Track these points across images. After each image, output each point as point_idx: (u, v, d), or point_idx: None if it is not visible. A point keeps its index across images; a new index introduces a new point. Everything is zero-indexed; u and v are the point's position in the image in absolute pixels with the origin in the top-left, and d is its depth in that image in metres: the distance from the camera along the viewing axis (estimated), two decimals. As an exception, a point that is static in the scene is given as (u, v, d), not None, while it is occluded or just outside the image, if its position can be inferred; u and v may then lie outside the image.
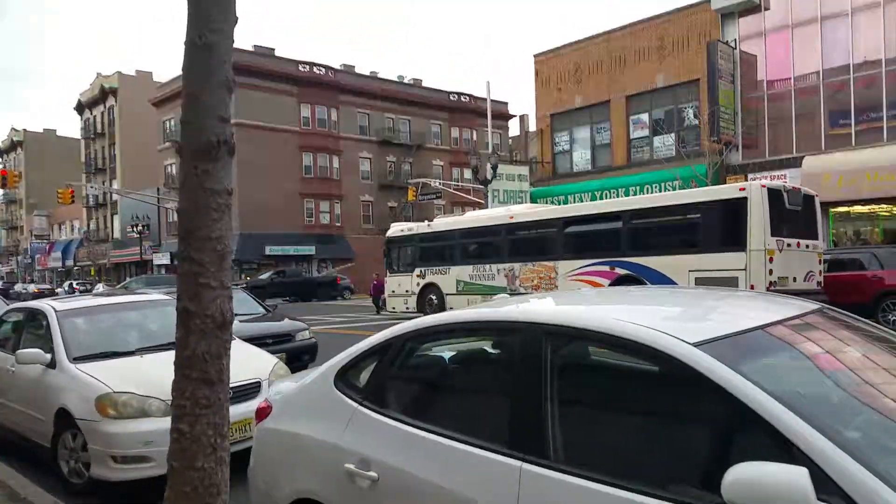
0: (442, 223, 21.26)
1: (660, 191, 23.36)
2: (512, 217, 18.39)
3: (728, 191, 14.24)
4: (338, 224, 52.70)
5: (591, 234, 16.61)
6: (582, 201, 25.02)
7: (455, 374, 3.36)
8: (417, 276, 21.12)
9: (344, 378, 3.38)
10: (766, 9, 22.39)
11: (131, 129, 62.40)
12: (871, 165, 18.85)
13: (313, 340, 10.38)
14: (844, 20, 20.73)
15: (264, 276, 41.86)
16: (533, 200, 27.27)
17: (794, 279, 13.74)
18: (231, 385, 5.80)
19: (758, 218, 13.22)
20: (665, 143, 25.29)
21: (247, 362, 6.49)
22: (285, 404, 3.67)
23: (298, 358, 9.80)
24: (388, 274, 22.56)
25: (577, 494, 2.29)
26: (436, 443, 2.77)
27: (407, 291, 21.48)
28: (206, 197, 1.96)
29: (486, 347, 3.30)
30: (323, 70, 52.48)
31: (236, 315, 9.04)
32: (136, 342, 6.60)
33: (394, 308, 22.25)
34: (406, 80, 60.77)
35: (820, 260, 14.54)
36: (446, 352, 3.39)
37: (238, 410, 5.74)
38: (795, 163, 21.21)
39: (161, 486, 5.57)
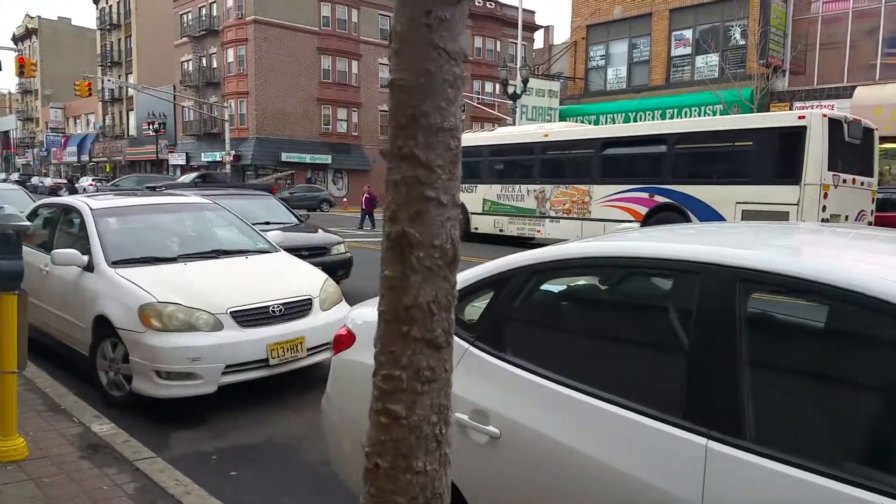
0: (470, 138, 20.44)
1: (700, 115, 22.36)
2: (546, 135, 17.61)
3: (786, 118, 13.42)
4: (355, 133, 51.56)
5: (630, 158, 15.89)
6: (615, 122, 24.07)
7: (601, 320, 2.84)
8: (443, 191, 20.49)
9: None
10: (831, -79, 20.75)
11: (148, 22, 60.36)
12: (929, 99, 17.84)
13: (348, 255, 9.94)
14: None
15: (184, 178, 34.80)
16: (562, 118, 26.25)
17: (847, 217, 13.13)
18: (282, 300, 5.49)
19: (816, 150, 12.48)
20: (707, 63, 24.02)
21: (296, 276, 6.10)
22: (371, 334, 3.24)
23: (333, 272, 9.27)
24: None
25: (787, 487, 1.85)
26: (582, 403, 2.32)
27: (431, 206, 20.91)
28: (440, 61, 1.32)
29: (639, 289, 2.79)
30: (345, -33, 50.05)
31: (268, 223, 8.55)
32: (178, 248, 6.17)
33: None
34: (431, -16, 58.00)
35: (873, 199, 13.87)
36: (582, 290, 2.89)
37: (291, 328, 5.43)
38: (845, 93, 20.11)
39: (206, 404, 5.33)
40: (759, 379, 2.03)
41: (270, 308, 5.38)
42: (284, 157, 46.89)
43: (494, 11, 58.81)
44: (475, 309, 2.95)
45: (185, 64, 53.61)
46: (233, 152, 43.54)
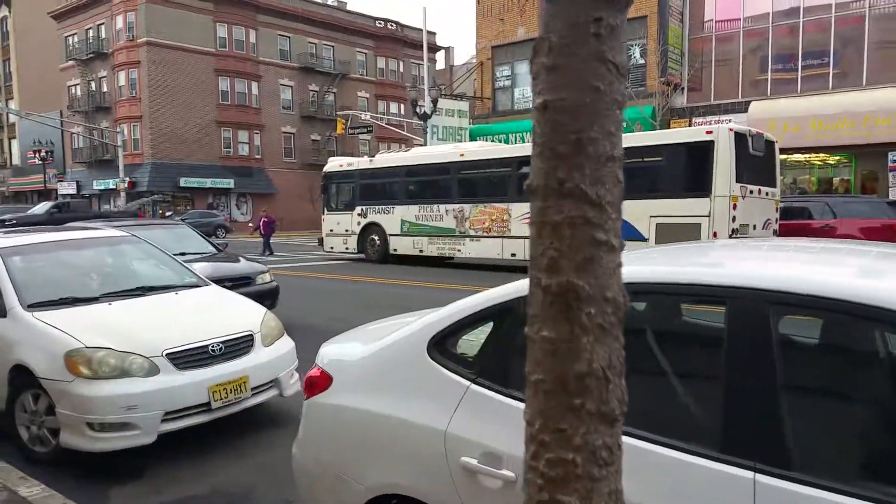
0: (386, 159, 20.28)
1: (604, 132, 23.09)
2: (463, 154, 17.66)
3: (694, 133, 14.04)
4: (257, 156, 50.24)
5: (548, 174, 16.13)
6: (525, 141, 24.53)
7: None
8: (358, 214, 20.17)
9: (441, 347, 2.71)
10: (719, -57, 22.09)
11: (28, 44, 56.75)
12: (817, 113, 19.14)
13: (274, 284, 9.49)
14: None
15: (38, 208, 32.25)
16: (472, 138, 26.55)
17: (754, 227, 13.80)
18: (222, 338, 5.08)
19: (724, 163, 13.08)
20: (609, 84, 24.90)
21: (233, 311, 5.70)
22: (351, 375, 2.99)
23: (260, 303, 8.91)
24: (325, 212, 21.45)
25: None
26: None
27: (347, 231, 20.53)
28: (609, 77, 1.07)
29: (664, 316, 2.63)
30: (241, -14, 48.98)
31: (183, 254, 8.03)
32: (99, 287, 5.63)
33: (332, 248, 21.28)
34: (330, 2, 57.75)
35: (777, 208, 14.66)
36: None
37: (233, 367, 5.04)
38: (740, 107, 21.34)
39: (143, 454, 4.83)
40: (799, 406, 1.95)
41: (209, 347, 4.97)
42: (183, 181, 45.03)
43: (395, 32, 59.14)
44: (468, 343, 2.76)
45: (73, 88, 50.77)
46: (127, 179, 41.39)
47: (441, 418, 2.55)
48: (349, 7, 58.94)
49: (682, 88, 22.85)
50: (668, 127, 21.77)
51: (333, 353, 3.20)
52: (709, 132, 13.43)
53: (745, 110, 20.93)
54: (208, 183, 46.60)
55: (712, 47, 22.79)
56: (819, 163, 21.65)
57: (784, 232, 14.76)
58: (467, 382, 2.56)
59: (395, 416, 2.71)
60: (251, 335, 5.31)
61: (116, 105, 46.37)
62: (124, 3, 45.26)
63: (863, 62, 19.70)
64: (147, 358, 4.67)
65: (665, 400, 2.31)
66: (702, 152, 13.36)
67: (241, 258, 10.14)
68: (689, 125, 21.59)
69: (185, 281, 6.13)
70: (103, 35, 47.94)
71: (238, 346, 5.17)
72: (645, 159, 14.47)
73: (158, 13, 44.75)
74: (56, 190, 51.02)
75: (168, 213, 40.64)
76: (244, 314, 5.61)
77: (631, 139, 15.50)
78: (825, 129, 19.17)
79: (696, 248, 3.14)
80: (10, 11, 57.98)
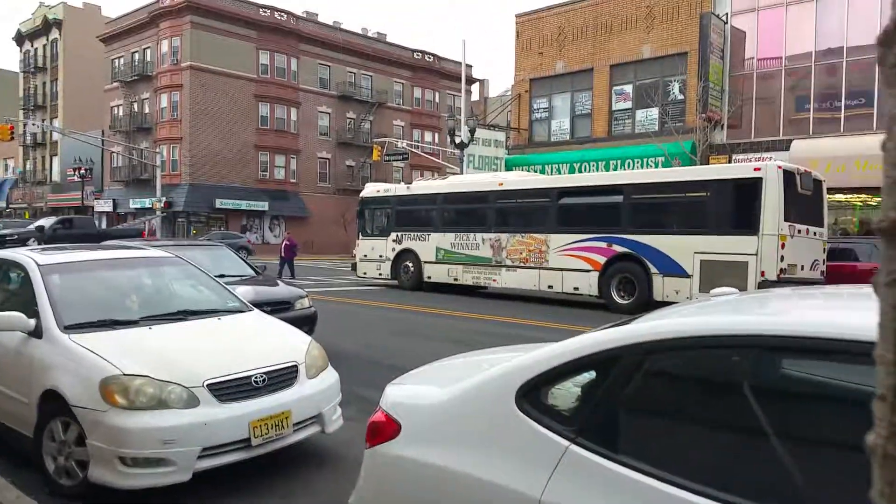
0: (423, 186, 20.19)
1: (642, 166, 22.81)
2: (501, 184, 17.48)
3: (741, 170, 13.68)
4: (293, 180, 50.77)
5: (587, 207, 15.89)
6: (560, 172, 24.33)
7: (757, 413, 2.07)
8: (393, 240, 20.05)
9: (533, 398, 2.40)
10: (761, -17, 21.84)
11: (76, 66, 58.49)
12: (862, 153, 18.61)
13: (313, 309, 9.30)
14: (841, 1, 20.33)
15: (42, 222, 30.69)
16: (508, 168, 26.41)
17: (802, 267, 13.34)
18: (265, 368, 4.85)
19: (772, 201, 12.69)
20: (648, 117, 24.67)
21: (277, 339, 5.48)
22: (423, 423, 2.68)
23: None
24: (360, 237, 21.38)
25: None
26: None
27: (381, 257, 20.40)
28: None
29: (812, 374, 2.15)
30: (284, 16, 49.98)
31: (222, 276, 7.88)
32: (139, 310, 5.46)
33: (365, 273, 21.15)
34: (370, 34, 58.58)
35: (824, 248, 14.18)
36: (725, 373, 2.23)
37: (275, 401, 4.78)
38: (781, 145, 20.89)
39: (176, 492, 4.58)
40: None
41: (253, 378, 4.74)
42: (219, 203, 45.59)
43: (432, 64, 59.74)
44: (562, 395, 2.48)
45: (116, 109, 52.00)
46: (164, 199, 42.02)
47: (534, 484, 2.23)
48: (388, 38, 59.70)
49: (722, 125, 22.47)
50: (708, 163, 21.40)
51: (402, 395, 2.90)
52: (757, 169, 13.07)
53: (787, 148, 20.47)
54: (243, 205, 47.11)
55: (753, 85, 22.43)
56: (860, 204, 21.06)
57: (830, 274, 14.25)
58: (566, 442, 2.24)
59: (476, 477, 2.40)
60: (295, 366, 5.08)
61: (157, 126, 47.32)
62: (171, 28, 46.41)
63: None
64: (187, 388, 4.46)
65: (813, 470, 1.98)
66: (749, 189, 12.99)
67: (279, 282, 10.02)
68: (729, 161, 21.21)
69: (227, 306, 5.95)
70: (148, 58, 49.13)
71: (282, 378, 4.93)
72: (690, 194, 14.15)
73: (203, 39, 45.78)
74: (93, 207, 51.98)
75: (193, 233, 40.88)
76: (289, 343, 5.39)
77: (676, 174, 15.22)
78: (870, 170, 18.62)
79: (805, 296, 2.85)
80: (60, 34, 59.81)
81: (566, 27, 26.86)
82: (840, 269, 14.46)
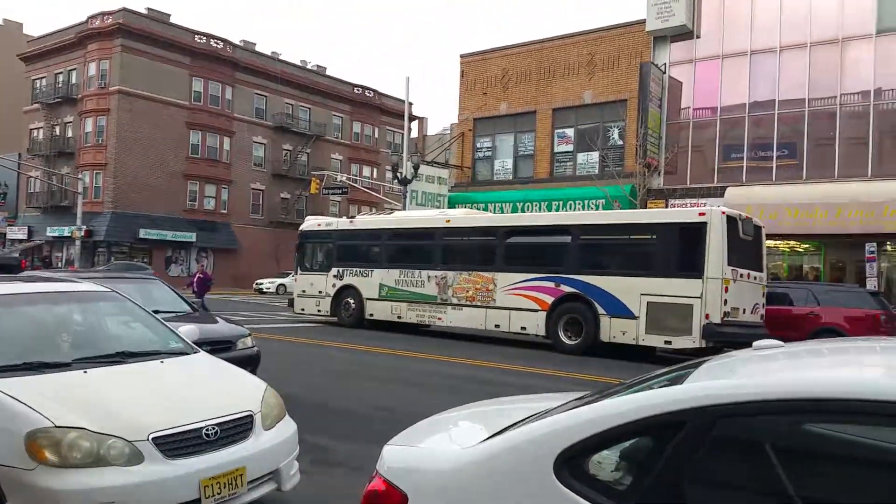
0: (367, 220, 19.76)
1: (584, 208, 23.07)
2: (449, 221, 17.24)
3: (686, 214, 13.90)
4: (223, 211, 49.39)
5: (536, 247, 15.82)
6: (503, 211, 24.35)
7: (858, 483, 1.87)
8: (334, 276, 19.45)
9: (575, 467, 2.06)
10: (698, 37, 22.69)
11: (-7, 84, 55.71)
12: (792, 202, 19.35)
13: (256, 349, 8.66)
14: (773, 56, 21.32)
15: None
16: (451, 205, 26.29)
17: (744, 311, 13.53)
18: (217, 419, 4.31)
19: (716, 245, 12.88)
20: (588, 160, 25.10)
21: (229, 386, 4.94)
22: (436, 494, 2.26)
23: None
24: (298, 271, 20.68)
25: None
26: None
27: (320, 293, 19.74)
28: None
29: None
30: (220, 44, 49.14)
31: (156, 313, 7.29)
32: (71, 351, 4.84)
33: (303, 309, 20.41)
34: (309, 66, 58.22)
35: (763, 293, 14.47)
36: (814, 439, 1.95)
37: (229, 456, 4.24)
38: (716, 192, 21.52)
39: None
40: None
41: (203, 431, 4.19)
42: (143, 233, 43.76)
43: (373, 99, 59.74)
44: (607, 463, 2.14)
45: (35, 132, 49.60)
46: (84, 227, 39.96)
47: None
48: (328, 72, 59.45)
49: (659, 171, 23.03)
50: (646, 207, 21.82)
51: (405, 459, 2.49)
52: (702, 213, 13.28)
53: (721, 195, 21.10)
54: (169, 235, 45.41)
55: (689, 133, 23.17)
56: (788, 250, 21.86)
57: (770, 317, 14.54)
58: None
59: None
60: (250, 416, 4.55)
61: (80, 151, 45.34)
62: (99, 50, 44.86)
63: (834, 156, 20.16)
64: (129, 442, 3.88)
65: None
66: (694, 233, 13.17)
67: (218, 318, 9.36)
68: (666, 206, 21.71)
69: (171, 347, 5.37)
70: (73, 80, 47.25)
71: (236, 430, 4.39)
72: (637, 236, 14.27)
73: (133, 63, 44.42)
74: (5, 234, 49.08)
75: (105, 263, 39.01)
76: (242, 389, 4.85)
77: (624, 216, 15.34)
78: (800, 217, 19.36)
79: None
80: (-24, 51, 57.05)
81: (510, 70, 27.22)
82: (776, 313, 14.78)
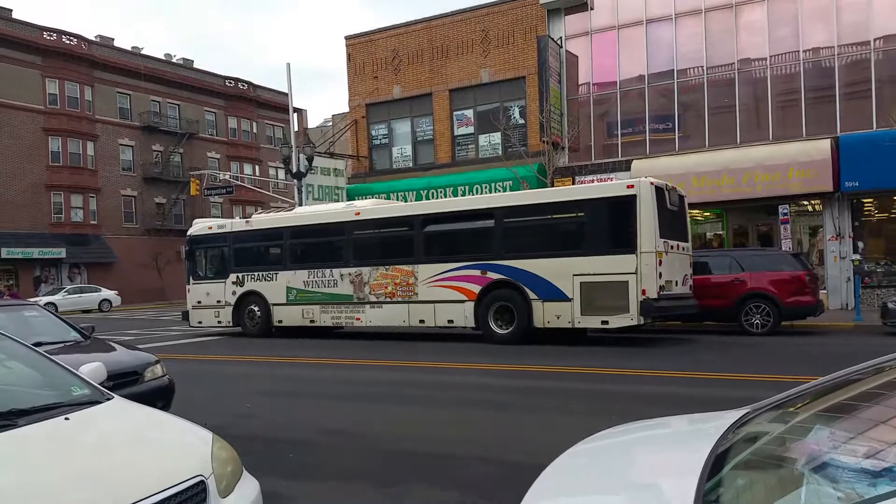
0: (266, 219, 18.13)
1: (490, 191, 22.45)
2: (358, 213, 16.01)
3: (614, 188, 13.38)
4: (94, 222, 45.30)
5: (457, 234, 14.91)
6: (406, 200, 23.30)
7: None
8: (233, 283, 17.74)
9: None
10: (592, 8, 22.49)
11: None
12: (698, 170, 19.54)
13: (167, 379, 7.19)
14: (668, 24, 21.42)
15: None
16: (350, 197, 24.96)
17: (676, 283, 13.26)
18: (159, 495, 3.01)
19: (647, 217, 12.47)
20: (491, 142, 24.51)
21: (164, 442, 3.66)
22: None
23: (150, 407, 6.58)
24: (190, 281, 18.75)
25: None
26: None
27: (219, 302, 17.97)
28: None
29: None
30: (74, 40, 44.80)
31: (39, 344, 5.83)
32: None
33: (200, 322, 18.53)
34: (175, 59, 54.47)
35: (691, 263, 14.30)
36: None
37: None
38: (622, 166, 21.50)
39: None
40: None
41: (143, 517, 2.95)
42: (6, 252, 39.38)
43: (247, 92, 56.81)
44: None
45: None
46: (-66, 250, 35.53)
47: None
48: (196, 65, 55.89)
49: (563, 147, 22.75)
50: (553, 185, 21.47)
51: None
52: (630, 186, 12.81)
53: (627, 168, 21.09)
54: (35, 253, 41.14)
55: (590, 108, 23.02)
56: (700, 218, 22.22)
57: (697, 287, 14.42)
58: None
59: None
60: (202, 482, 3.29)
61: (-78, 166, 40.14)
62: (-67, 51, 39.77)
63: (735, 122, 20.55)
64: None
65: None
66: (624, 207, 12.70)
67: (114, 345, 7.79)
68: (574, 183, 21.43)
69: (74, 395, 3.98)
70: None
71: (185, 507, 3.17)
72: (564, 215, 13.68)
73: (-25, 64, 39.69)
74: None
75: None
76: (182, 445, 3.59)
77: (547, 195, 14.71)
78: (705, 186, 19.61)
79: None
80: None
81: (401, 50, 26.14)
82: (702, 283, 14.68)
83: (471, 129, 24.97)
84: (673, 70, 21.30)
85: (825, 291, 17.82)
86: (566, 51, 22.85)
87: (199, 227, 19.02)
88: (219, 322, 18.08)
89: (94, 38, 47.69)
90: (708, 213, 22.14)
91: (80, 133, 44.49)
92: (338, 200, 24.99)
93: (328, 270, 16.16)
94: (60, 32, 44.16)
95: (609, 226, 13.07)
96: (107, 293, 38.85)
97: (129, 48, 50.93)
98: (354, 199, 22.97)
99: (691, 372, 9.78)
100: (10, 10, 43.84)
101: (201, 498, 3.24)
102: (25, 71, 41.86)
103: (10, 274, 40.52)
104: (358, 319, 15.82)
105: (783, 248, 16.98)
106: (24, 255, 40.60)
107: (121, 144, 47.84)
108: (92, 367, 4.56)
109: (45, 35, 43.27)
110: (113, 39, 50.27)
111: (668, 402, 7.84)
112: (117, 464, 3.29)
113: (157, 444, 3.61)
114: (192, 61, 55.95)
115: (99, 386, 4.26)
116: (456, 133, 25.20)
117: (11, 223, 40.36)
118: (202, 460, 3.43)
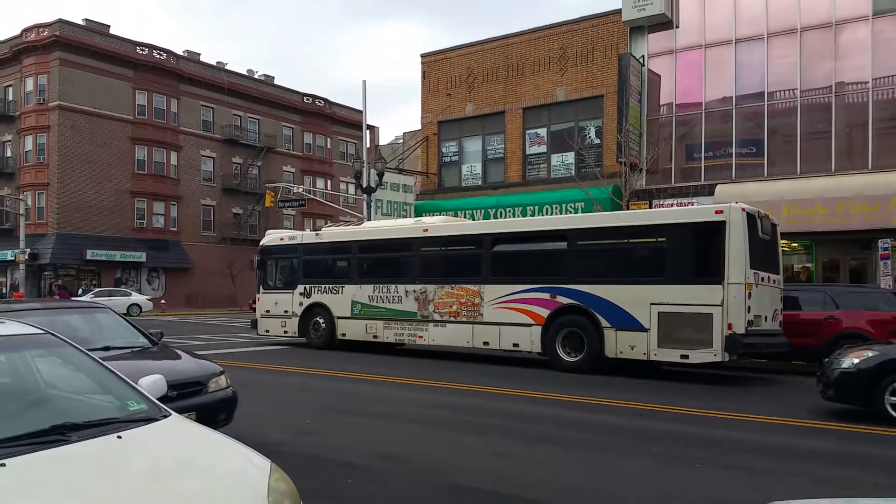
0: (335, 232, 18.13)
1: (562, 211, 21.88)
2: (426, 230, 15.77)
3: (702, 213, 12.68)
4: (173, 229, 46.96)
5: (527, 255, 14.47)
6: (475, 218, 23.00)
7: None
8: (301, 294, 17.78)
9: None
10: (677, 26, 21.75)
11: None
12: (788, 198, 18.44)
13: (231, 391, 7.02)
14: (760, 44, 20.46)
15: None
16: (418, 213, 24.84)
17: (766, 318, 12.38)
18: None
19: (737, 246, 11.70)
20: (563, 162, 23.97)
21: (218, 471, 3.37)
22: None
23: (213, 419, 6.32)
24: (260, 290, 18.92)
25: None
26: None
27: (286, 312, 18.03)
28: None
29: None
30: (163, 55, 46.79)
31: (107, 349, 5.69)
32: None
33: (267, 331, 18.65)
34: (257, 76, 56.12)
35: (782, 297, 13.37)
36: None
37: None
38: (704, 190, 20.58)
39: None
40: None
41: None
42: (90, 254, 41.25)
43: (323, 108, 57.99)
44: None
45: None
46: (28, 250, 37.39)
47: None
48: (277, 81, 57.41)
49: (641, 169, 21.97)
50: (628, 208, 20.73)
51: None
52: (719, 211, 12.07)
53: (711, 193, 20.15)
54: (117, 256, 42.90)
55: (672, 129, 22.19)
56: (787, 249, 21.03)
57: (787, 324, 13.44)
58: None
59: None
60: (258, 521, 3.01)
61: (21, 171, 42.72)
62: (36, 65, 42.27)
63: (831, 148, 19.38)
64: None
65: None
66: (711, 233, 11.96)
67: (180, 353, 7.68)
68: (650, 207, 20.64)
69: (130, 410, 3.77)
70: (10, 97, 44.38)
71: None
72: (644, 240, 13.04)
73: (73, 77, 41.93)
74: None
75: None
76: (236, 475, 3.30)
77: (626, 217, 14.12)
78: (796, 215, 18.47)
79: None
80: None
81: (475, 68, 25.98)
82: (791, 319, 13.67)
83: (543, 148, 24.51)
84: (763, 92, 20.28)
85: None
86: (648, 69, 22.16)
87: (272, 237, 19.21)
88: (285, 332, 18.12)
89: (181, 53, 49.63)
90: (796, 245, 20.90)
91: (164, 143, 46.27)
92: (406, 216, 24.90)
93: (393, 286, 15.96)
94: (152, 47, 46.18)
95: (694, 253, 12.32)
96: (137, 297, 37.63)
97: (214, 63, 52.80)
98: (422, 216, 22.83)
99: (791, 419, 8.91)
100: (109, 26, 46.15)
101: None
102: (118, 83, 43.90)
103: (94, 275, 42.32)
104: (420, 337, 15.52)
105: (881, 286, 15.74)
106: (108, 258, 42.37)
107: (202, 155, 49.49)
108: (151, 381, 4.34)
109: (138, 49, 45.35)
110: (199, 55, 52.23)
111: (782, 454, 7.14)
112: (164, 494, 3.01)
113: (209, 473, 3.33)
114: (273, 77, 57.56)
115: (156, 401, 4.03)
116: (528, 152, 24.78)
117: (97, 227, 42.21)
118: (256, 496, 3.12)
